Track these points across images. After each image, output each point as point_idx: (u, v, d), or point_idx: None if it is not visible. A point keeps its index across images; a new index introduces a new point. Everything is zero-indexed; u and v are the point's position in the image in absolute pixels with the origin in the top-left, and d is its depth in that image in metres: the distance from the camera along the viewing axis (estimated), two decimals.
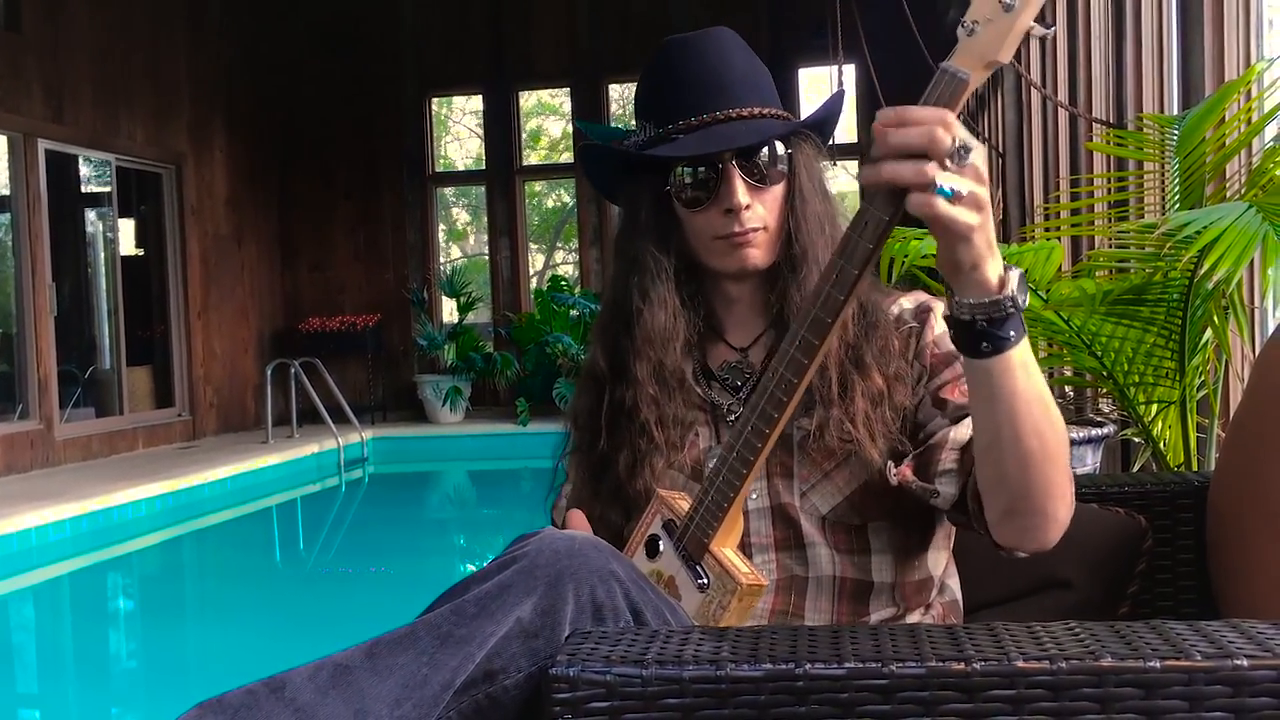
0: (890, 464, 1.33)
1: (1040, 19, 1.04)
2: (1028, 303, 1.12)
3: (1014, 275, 1.09)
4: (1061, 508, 1.22)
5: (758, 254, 1.40)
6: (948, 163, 1.01)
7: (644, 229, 1.44)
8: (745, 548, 1.39)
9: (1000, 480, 1.21)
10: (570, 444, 1.54)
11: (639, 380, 1.42)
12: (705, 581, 1.28)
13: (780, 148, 1.41)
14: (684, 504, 1.35)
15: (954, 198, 1.02)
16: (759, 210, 1.39)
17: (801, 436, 1.37)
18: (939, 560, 1.45)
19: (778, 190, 1.41)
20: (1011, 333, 1.10)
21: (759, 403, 1.22)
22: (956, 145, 1.01)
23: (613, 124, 11.30)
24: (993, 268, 1.07)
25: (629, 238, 1.46)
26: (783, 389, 1.19)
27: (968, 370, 1.16)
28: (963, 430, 1.31)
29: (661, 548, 1.35)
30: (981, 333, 1.10)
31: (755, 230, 1.39)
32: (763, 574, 1.35)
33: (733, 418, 1.43)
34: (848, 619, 1.38)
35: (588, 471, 1.49)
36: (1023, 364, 1.13)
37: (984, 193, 1.04)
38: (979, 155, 1.03)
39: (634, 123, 1.50)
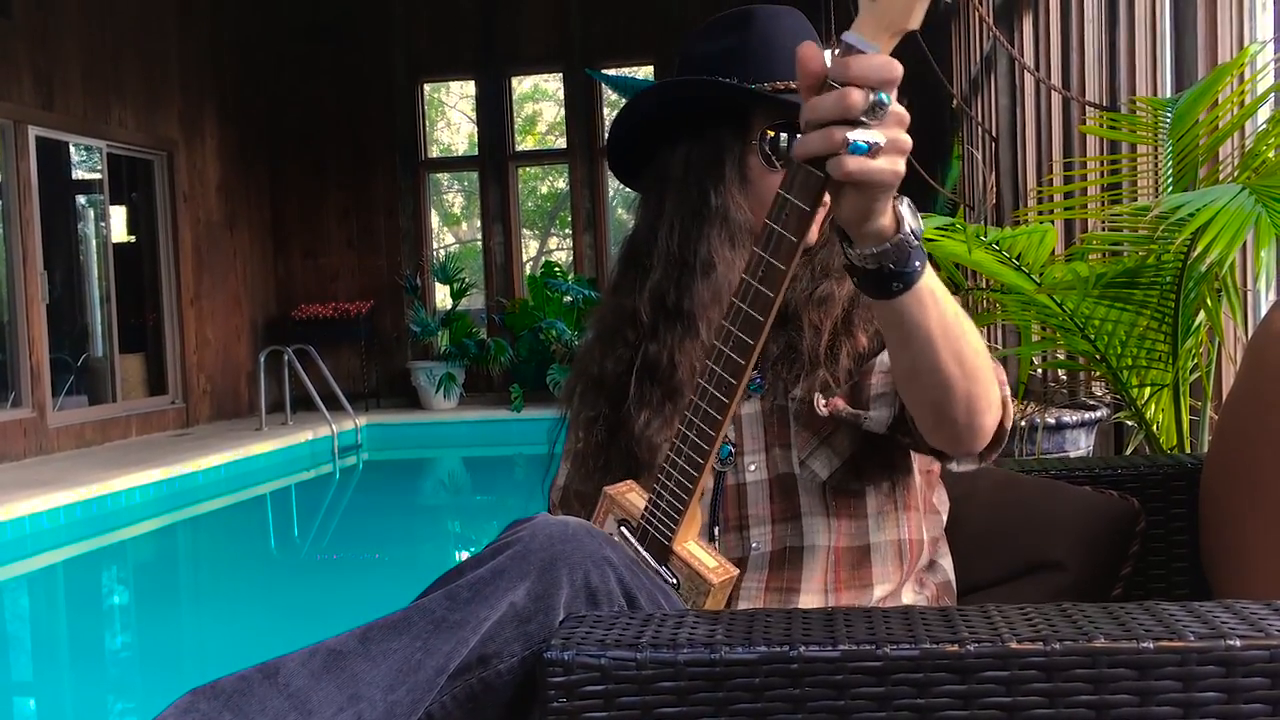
0: (818, 396, 1.32)
1: None
2: (923, 229, 1.08)
3: (904, 208, 1.05)
4: (987, 419, 1.20)
5: (815, 228, 1.38)
6: (865, 119, 0.96)
7: (728, 181, 1.39)
8: (744, 520, 1.39)
9: (923, 403, 1.19)
10: (574, 412, 1.51)
11: (699, 339, 1.37)
12: (675, 583, 1.28)
13: None
14: (635, 498, 1.33)
15: (872, 150, 0.97)
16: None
17: (796, 407, 1.37)
18: (933, 525, 1.46)
19: None
20: (917, 264, 1.06)
21: (701, 404, 1.20)
22: (870, 101, 0.96)
23: (605, 108, 11.27)
24: (890, 210, 1.04)
25: (704, 188, 1.40)
26: (724, 389, 1.18)
27: (879, 311, 1.12)
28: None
29: None
30: (890, 274, 1.06)
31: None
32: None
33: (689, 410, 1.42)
34: (844, 588, 1.38)
35: (604, 434, 1.46)
36: (930, 291, 1.09)
37: (906, 137, 0.99)
38: (894, 100, 0.98)
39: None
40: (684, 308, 1.40)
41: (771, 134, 1.38)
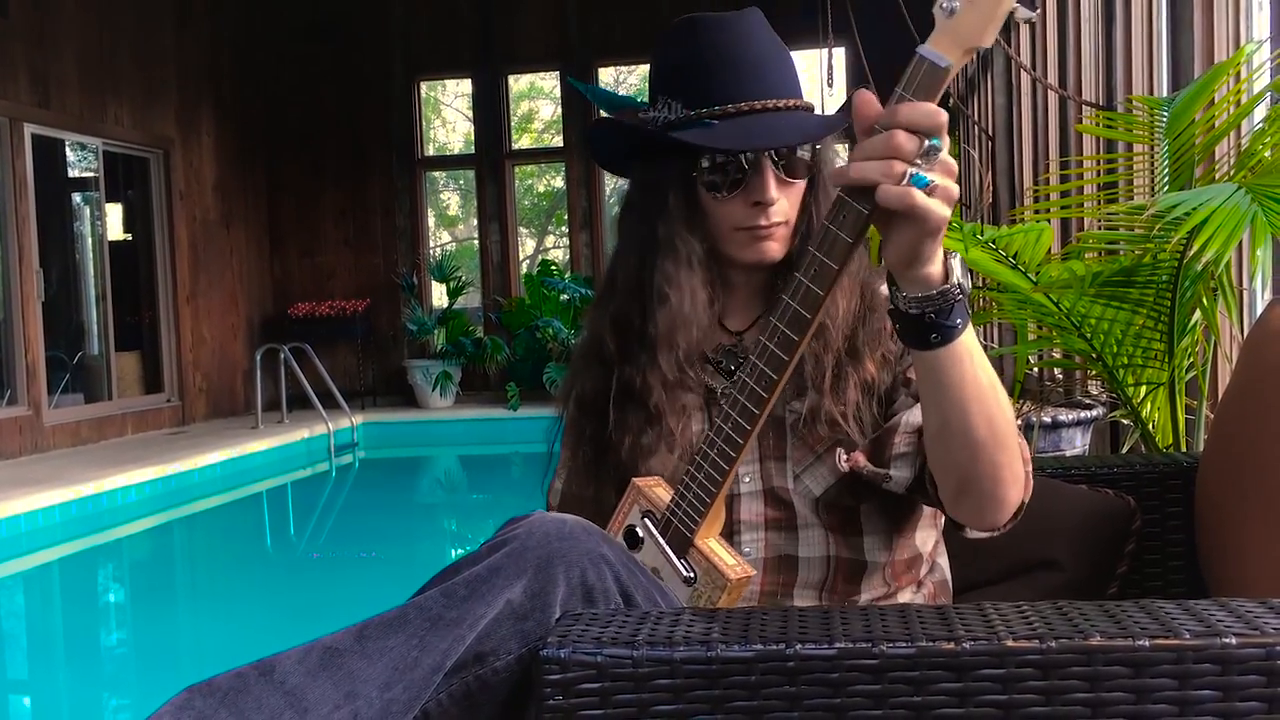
0: (840, 451, 1.33)
1: (1025, 1, 1.01)
2: (970, 288, 1.11)
3: (955, 262, 1.08)
4: (1012, 491, 1.21)
5: (776, 247, 1.38)
6: (919, 162, 1.00)
7: (672, 211, 1.39)
8: (735, 525, 1.39)
9: (950, 466, 1.20)
10: (566, 425, 1.51)
11: (660, 367, 1.38)
12: (692, 576, 1.27)
13: (813, 146, 1.38)
14: (662, 492, 1.34)
15: (929, 188, 1.00)
16: (783, 204, 1.37)
17: (794, 420, 1.37)
18: (929, 539, 1.45)
19: (801, 185, 1.39)
20: (958, 320, 1.09)
21: (739, 398, 1.21)
22: (924, 147, 1.00)
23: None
24: (940, 258, 1.07)
25: (652, 217, 1.40)
26: (764, 384, 1.19)
27: (916, 362, 1.15)
28: (917, 414, 1.30)
29: (642, 539, 1.33)
30: (930, 325, 1.09)
31: (778, 224, 1.37)
32: (748, 561, 1.35)
33: (725, 402, 1.43)
34: (839, 598, 1.38)
35: (591, 452, 1.47)
36: (969, 351, 1.11)
37: (954, 186, 1.03)
38: (946, 147, 1.02)
39: (640, 95, 1.46)
40: (647, 334, 1.40)
41: (710, 163, 1.36)
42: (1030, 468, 1.25)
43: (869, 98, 1.04)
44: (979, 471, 1.18)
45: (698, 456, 1.26)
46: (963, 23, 1.00)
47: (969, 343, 1.11)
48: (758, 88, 1.36)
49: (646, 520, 1.33)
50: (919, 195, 1.00)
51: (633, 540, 1.34)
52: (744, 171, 1.35)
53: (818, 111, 1.45)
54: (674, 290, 1.38)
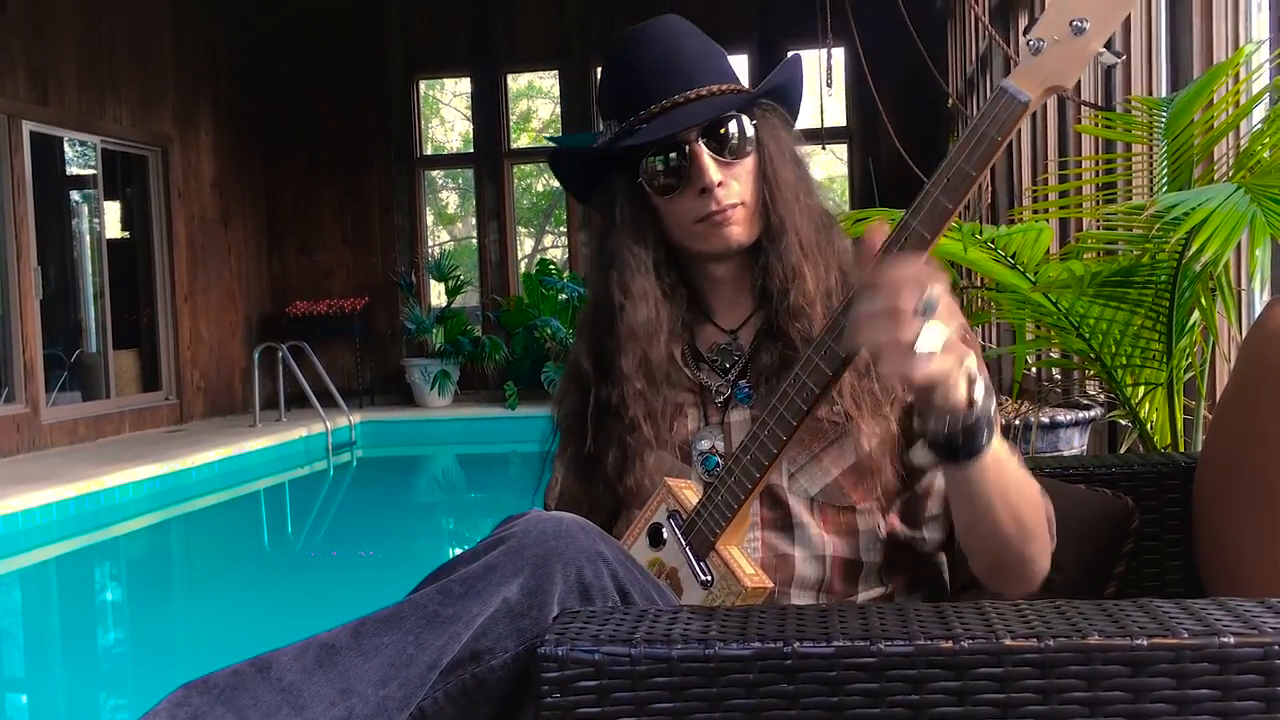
0: (879, 519, 1.36)
1: (1109, 45, 1.02)
2: (995, 405, 1.11)
3: (979, 386, 1.09)
4: (1039, 565, 1.27)
5: (739, 230, 1.40)
6: (916, 318, 1.01)
7: (620, 225, 1.43)
8: None
9: (979, 553, 1.26)
10: (556, 446, 1.53)
11: (625, 376, 1.40)
12: (709, 579, 1.27)
13: (745, 121, 1.40)
14: (690, 494, 1.34)
15: (932, 354, 1.01)
16: (734, 186, 1.38)
17: None
18: None
19: (749, 164, 1.40)
20: (983, 441, 1.11)
21: (779, 407, 1.22)
22: (923, 304, 1.00)
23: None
24: (962, 388, 1.08)
25: (606, 235, 1.45)
26: (804, 396, 1.20)
27: (944, 473, 1.19)
28: None
29: (665, 538, 1.34)
30: (958, 447, 1.11)
31: (733, 206, 1.38)
32: (765, 576, 1.35)
33: (720, 399, 1.43)
34: (836, 598, 1.38)
35: (576, 473, 1.48)
36: (996, 459, 1.14)
37: (953, 333, 1.03)
38: (943, 295, 1.01)
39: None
40: (610, 348, 1.43)
41: (650, 165, 1.39)
42: (1054, 526, 1.30)
43: (880, 236, 1.06)
44: (1007, 561, 1.25)
45: (729, 462, 1.27)
46: (1048, 61, 1.01)
47: (995, 451, 1.14)
48: (675, 83, 1.39)
49: (672, 521, 1.33)
50: (923, 365, 1.01)
51: (656, 538, 1.34)
52: (681, 163, 1.37)
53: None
54: (628, 300, 1.41)
